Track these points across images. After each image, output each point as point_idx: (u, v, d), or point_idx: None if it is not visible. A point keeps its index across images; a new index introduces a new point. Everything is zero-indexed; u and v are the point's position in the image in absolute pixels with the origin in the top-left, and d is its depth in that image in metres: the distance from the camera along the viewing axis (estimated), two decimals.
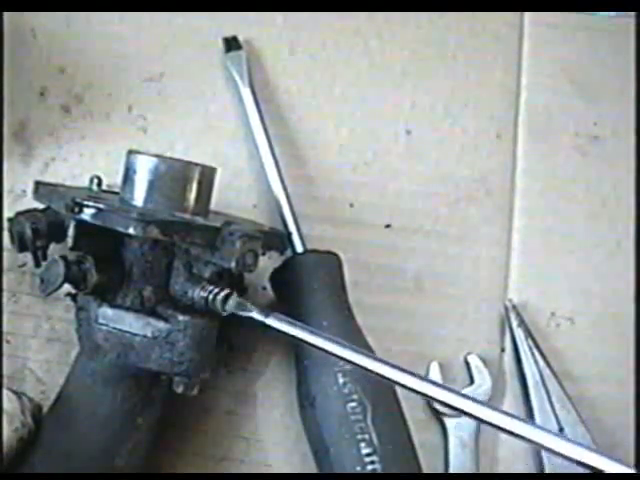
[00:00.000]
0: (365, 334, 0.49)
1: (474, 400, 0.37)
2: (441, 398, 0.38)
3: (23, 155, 0.55)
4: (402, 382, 0.38)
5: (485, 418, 0.36)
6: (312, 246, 0.52)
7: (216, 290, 0.43)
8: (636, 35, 0.57)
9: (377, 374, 0.39)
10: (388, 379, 0.39)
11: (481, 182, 0.57)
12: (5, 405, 0.43)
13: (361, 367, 0.39)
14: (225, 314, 0.43)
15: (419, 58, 0.59)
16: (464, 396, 0.37)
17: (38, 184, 0.48)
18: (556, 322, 0.54)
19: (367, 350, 0.48)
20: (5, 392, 0.44)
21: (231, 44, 0.57)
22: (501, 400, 0.52)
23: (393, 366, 0.39)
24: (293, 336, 0.41)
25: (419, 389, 0.38)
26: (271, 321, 0.41)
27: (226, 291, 0.43)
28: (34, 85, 0.57)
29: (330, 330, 0.47)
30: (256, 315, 0.42)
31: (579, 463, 0.34)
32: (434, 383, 0.39)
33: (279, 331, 0.41)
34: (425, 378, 0.39)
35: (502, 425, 0.36)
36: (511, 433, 0.36)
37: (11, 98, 0.55)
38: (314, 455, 0.48)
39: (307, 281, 0.50)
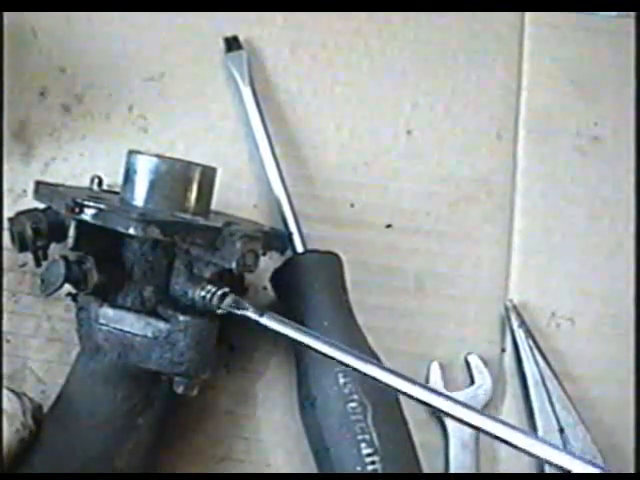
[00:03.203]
0: (366, 334, 0.49)
1: (472, 408, 0.37)
2: (435, 404, 0.37)
3: (23, 155, 0.56)
4: (392, 384, 0.38)
5: (484, 427, 0.36)
6: (313, 246, 0.52)
7: (214, 289, 0.43)
8: (636, 35, 0.57)
9: (367, 375, 0.39)
10: (377, 380, 0.39)
11: (482, 182, 0.57)
12: (6, 406, 0.43)
13: (353, 368, 0.39)
14: (220, 312, 0.43)
15: (420, 58, 0.59)
16: (461, 404, 0.37)
17: (39, 184, 0.48)
18: (556, 322, 0.54)
19: (367, 351, 0.48)
20: (6, 393, 0.43)
21: (232, 44, 0.57)
22: (501, 400, 0.52)
23: (385, 368, 0.39)
24: (286, 336, 0.41)
25: (408, 391, 0.38)
26: (265, 320, 0.41)
27: (223, 290, 0.43)
28: (34, 85, 0.57)
29: (331, 330, 0.48)
30: (251, 314, 0.42)
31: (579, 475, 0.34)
32: (424, 387, 0.38)
33: (273, 330, 0.41)
34: (415, 381, 0.38)
35: (501, 435, 0.36)
36: (510, 444, 0.35)
37: (11, 98, 0.55)
38: (314, 455, 0.48)
39: (308, 281, 0.50)
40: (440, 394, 0.38)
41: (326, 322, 0.48)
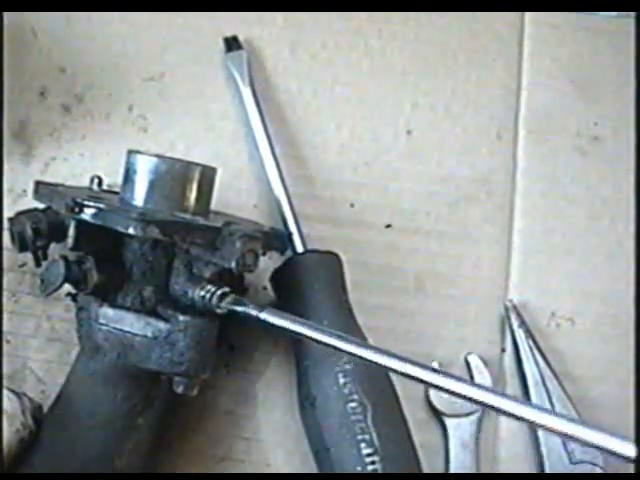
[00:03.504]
0: (365, 334, 0.49)
1: (475, 385, 0.37)
2: (441, 384, 0.37)
3: (23, 155, 0.56)
4: (394, 367, 0.38)
5: (490, 403, 0.36)
6: (313, 246, 0.52)
7: (214, 289, 0.43)
8: (636, 35, 0.57)
9: (370, 361, 0.39)
10: (381, 365, 0.39)
11: (481, 182, 0.57)
12: (6, 406, 0.43)
13: (355, 355, 0.39)
14: (220, 311, 0.43)
15: (420, 58, 0.59)
16: (465, 382, 0.37)
17: (38, 184, 0.48)
18: (556, 322, 0.54)
19: None
20: (6, 393, 0.43)
21: (232, 44, 0.57)
22: None
23: (386, 352, 0.39)
24: (287, 329, 0.41)
25: (414, 374, 0.38)
26: (265, 315, 0.41)
27: (222, 289, 0.43)
28: (34, 85, 0.57)
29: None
30: (250, 310, 0.42)
31: (570, 437, 0.34)
32: (430, 369, 0.38)
33: (273, 325, 0.41)
34: (421, 364, 0.38)
35: (506, 409, 0.36)
36: (514, 416, 0.36)
37: (11, 98, 0.56)
38: (314, 455, 0.48)
39: (307, 281, 0.50)
40: (447, 375, 0.38)
41: (326, 322, 0.48)
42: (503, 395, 0.37)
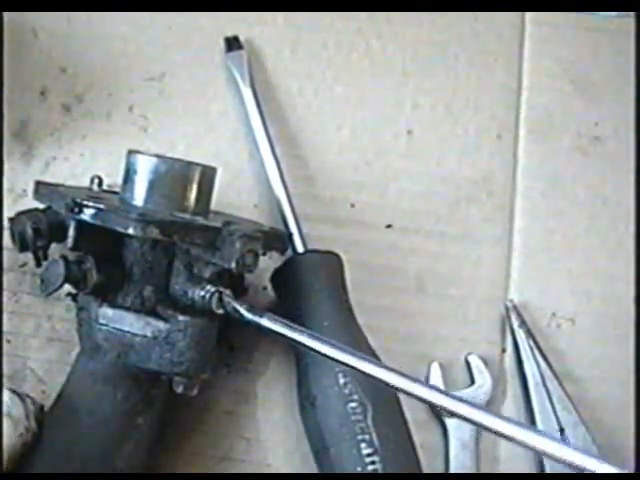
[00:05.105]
0: (366, 334, 0.49)
1: (474, 405, 0.37)
2: (436, 402, 0.37)
3: (24, 155, 0.56)
4: (394, 383, 0.38)
5: (485, 423, 0.36)
6: (313, 246, 0.52)
7: (213, 290, 0.43)
8: (636, 35, 0.57)
9: (367, 374, 0.39)
10: (378, 379, 0.39)
11: (482, 182, 0.57)
12: (11, 411, 0.42)
13: (353, 368, 0.39)
14: (220, 312, 0.43)
15: (420, 58, 0.59)
16: (463, 401, 0.37)
17: (39, 184, 0.48)
18: (557, 322, 0.54)
19: (368, 351, 0.48)
20: (10, 396, 0.43)
21: (232, 44, 0.57)
22: (502, 400, 0.52)
23: (385, 367, 0.39)
24: (286, 337, 0.41)
25: (409, 390, 0.38)
26: (265, 321, 0.41)
27: (222, 290, 0.43)
28: (35, 85, 0.57)
29: (331, 330, 0.47)
30: (250, 315, 0.42)
31: (579, 468, 0.34)
32: (426, 385, 0.38)
33: (272, 331, 0.41)
34: (416, 379, 0.38)
35: (502, 431, 0.36)
36: (511, 439, 0.36)
37: (12, 98, 0.55)
38: (314, 455, 0.47)
39: (308, 281, 0.50)
40: (441, 392, 0.38)
41: (326, 322, 0.48)
42: (502, 417, 0.37)
